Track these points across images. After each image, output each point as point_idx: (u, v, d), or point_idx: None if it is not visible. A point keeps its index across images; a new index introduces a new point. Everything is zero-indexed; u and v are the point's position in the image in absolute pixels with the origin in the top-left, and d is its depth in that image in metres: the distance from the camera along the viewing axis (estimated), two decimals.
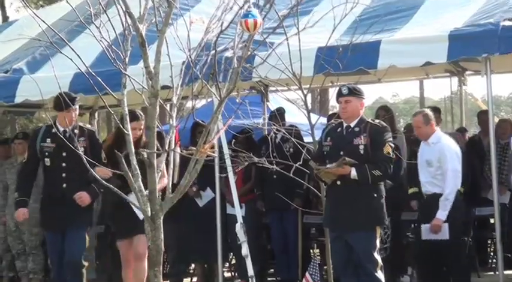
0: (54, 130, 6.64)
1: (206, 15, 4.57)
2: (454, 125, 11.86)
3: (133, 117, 6.43)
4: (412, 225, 9.37)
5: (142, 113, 6.80)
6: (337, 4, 6.21)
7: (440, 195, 7.27)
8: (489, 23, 6.96)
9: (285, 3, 7.03)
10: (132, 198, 6.54)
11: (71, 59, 4.04)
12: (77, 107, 7.02)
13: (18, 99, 8.83)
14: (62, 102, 6.41)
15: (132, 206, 6.58)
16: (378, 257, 6.03)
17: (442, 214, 7.22)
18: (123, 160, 3.50)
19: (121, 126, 3.66)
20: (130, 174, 3.34)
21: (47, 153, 6.92)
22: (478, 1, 7.66)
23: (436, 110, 8.69)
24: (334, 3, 6.26)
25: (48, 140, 6.91)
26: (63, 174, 6.86)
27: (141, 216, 6.63)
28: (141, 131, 6.72)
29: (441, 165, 7.28)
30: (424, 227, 7.31)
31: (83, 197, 6.83)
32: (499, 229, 7.31)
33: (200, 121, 7.23)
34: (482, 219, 9.00)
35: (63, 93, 6.64)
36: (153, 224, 3.26)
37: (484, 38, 6.87)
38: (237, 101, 8.86)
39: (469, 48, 6.99)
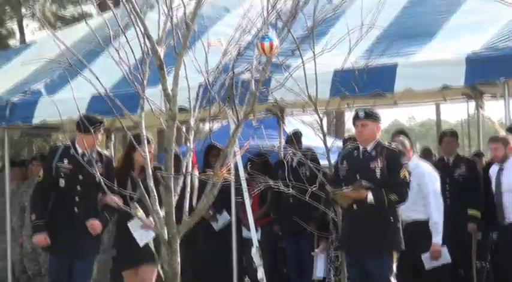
0: (72, 151, 6.43)
1: (224, 36, 4.57)
2: (471, 148, 11.76)
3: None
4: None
5: (151, 138, 6.68)
6: (353, 27, 6.20)
7: (423, 221, 7.14)
8: (507, 46, 6.93)
9: (301, 25, 7.04)
10: (134, 224, 6.55)
11: (89, 81, 4.04)
12: (101, 131, 6.83)
13: (35, 121, 8.88)
14: (83, 124, 6.21)
15: (133, 233, 6.55)
16: (394, 281, 5.97)
17: (438, 239, 7.11)
18: (140, 183, 3.49)
19: (129, 150, 3.65)
20: (147, 197, 3.32)
21: (62, 174, 6.70)
22: (496, 25, 7.63)
23: (453, 134, 8.66)
24: (350, 25, 6.27)
25: (66, 161, 6.68)
26: (76, 198, 6.66)
27: (141, 243, 6.62)
28: (151, 154, 6.64)
29: (421, 190, 7.11)
30: (425, 257, 7.17)
31: (94, 225, 6.65)
32: None
33: (215, 143, 7.21)
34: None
35: (89, 115, 6.55)
36: (170, 247, 3.24)
37: (502, 62, 6.84)
38: (253, 124, 8.89)
39: (487, 71, 6.96)
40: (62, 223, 6.67)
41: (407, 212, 7.09)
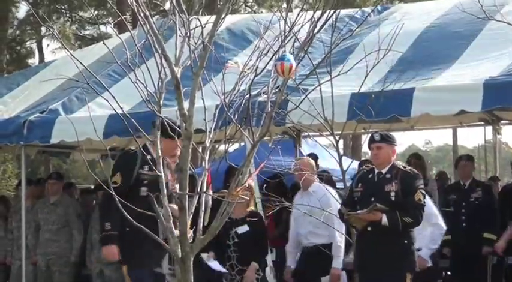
0: (150, 157, 5.88)
1: (241, 59, 4.61)
2: (488, 174, 11.74)
3: None
4: (444, 273, 9.26)
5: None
6: (370, 52, 6.24)
7: (325, 245, 7.08)
8: None
9: (319, 53, 7.10)
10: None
11: (107, 101, 4.09)
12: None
13: (53, 140, 8.93)
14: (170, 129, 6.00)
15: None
16: None
17: (338, 262, 7.05)
18: (154, 201, 3.52)
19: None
20: (162, 216, 3.35)
21: (145, 182, 6.16)
22: None
23: (469, 158, 8.66)
24: (368, 51, 6.30)
25: (146, 168, 6.10)
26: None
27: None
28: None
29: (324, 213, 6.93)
30: (324, 280, 7.10)
31: None
32: None
33: (233, 165, 7.22)
34: None
35: (171, 120, 6.35)
36: (184, 265, 3.26)
37: None
38: (270, 145, 8.92)
39: (504, 97, 6.94)
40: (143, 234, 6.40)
41: (309, 236, 7.18)
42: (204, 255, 6.97)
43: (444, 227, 7.05)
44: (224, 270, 7.02)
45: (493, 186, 9.08)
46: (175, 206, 4.40)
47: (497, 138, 10.62)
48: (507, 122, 9.69)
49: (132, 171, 6.16)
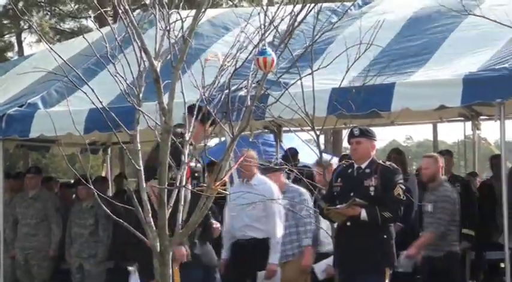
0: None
1: (222, 51, 4.60)
2: (467, 169, 11.80)
3: None
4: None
5: None
6: (351, 45, 6.25)
7: (263, 239, 7.07)
8: (504, 68, 6.99)
9: (299, 44, 7.09)
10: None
11: (86, 94, 4.07)
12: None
13: (32, 134, 8.88)
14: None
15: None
16: None
17: (275, 258, 7.07)
18: (133, 195, 3.51)
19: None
20: (140, 209, 3.35)
21: (196, 174, 6.15)
22: (493, 47, 7.69)
23: (448, 153, 8.71)
24: (348, 44, 6.31)
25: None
26: None
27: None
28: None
29: (265, 208, 6.98)
30: (260, 274, 7.08)
31: None
32: (509, 274, 7.23)
33: (214, 160, 7.19)
34: (492, 263, 8.93)
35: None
36: (162, 259, 3.26)
37: (499, 83, 6.89)
38: (250, 139, 8.93)
39: (483, 92, 7.01)
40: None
41: (246, 230, 7.10)
42: None
43: None
44: None
45: (472, 181, 9.13)
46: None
47: (477, 134, 10.68)
48: (486, 117, 9.76)
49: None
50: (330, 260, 6.94)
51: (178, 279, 5.94)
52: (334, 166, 6.88)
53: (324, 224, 6.82)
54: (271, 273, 7.08)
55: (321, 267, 7.13)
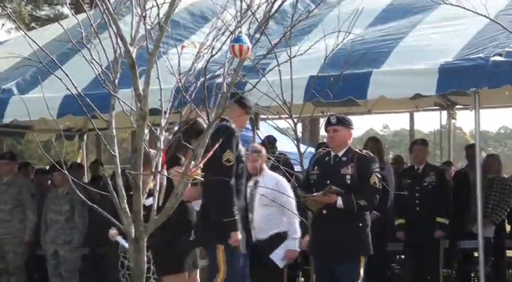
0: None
1: (198, 39, 4.60)
2: (443, 158, 11.90)
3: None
4: (398, 257, 9.40)
5: None
6: (329, 32, 6.28)
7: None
8: (479, 57, 7.02)
9: (278, 34, 7.09)
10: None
11: (61, 80, 4.05)
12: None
13: (6, 120, 8.83)
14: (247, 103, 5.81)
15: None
16: None
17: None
18: (109, 181, 3.51)
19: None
20: (115, 195, 3.35)
21: (242, 158, 5.96)
22: (469, 35, 7.73)
23: (424, 143, 8.77)
24: (326, 31, 6.33)
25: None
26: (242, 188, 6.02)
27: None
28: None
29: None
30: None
31: None
32: (483, 263, 7.30)
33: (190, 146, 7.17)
34: (466, 252, 9.02)
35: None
36: (137, 245, 3.26)
37: (474, 72, 6.93)
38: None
39: (459, 81, 7.05)
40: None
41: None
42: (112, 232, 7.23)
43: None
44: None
45: (447, 170, 9.20)
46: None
47: (452, 123, 10.77)
48: (462, 107, 9.83)
49: (237, 148, 5.79)
50: (284, 245, 6.94)
51: (223, 262, 5.75)
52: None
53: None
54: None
55: (279, 256, 7.07)
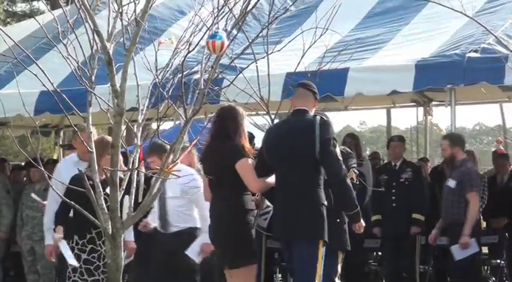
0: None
1: (176, 35, 4.59)
2: (419, 155, 11.96)
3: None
4: (375, 253, 9.44)
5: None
6: (307, 28, 6.29)
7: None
8: (455, 54, 7.07)
9: (256, 31, 7.08)
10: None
11: (36, 76, 4.02)
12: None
13: None
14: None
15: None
16: None
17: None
18: (85, 177, 3.49)
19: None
20: (92, 192, 3.33)
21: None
22: (446, 33, 7.79)
23: (400, 139, 8.80)
24: (305, 33, 6.34)
25: None
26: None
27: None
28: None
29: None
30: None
31: None
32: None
33: (163, 142, 7.11)
34: (443, 249, 9.07)
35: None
36: (114, 241, 3.25)
37: (450, 69, 6.97)
38: (205, 123, 8.90)
39: (435, 78, 7.09)
40: None
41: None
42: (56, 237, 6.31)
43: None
44: (74, 262, 6.11)
45: (423, 167, 9.24)
46: None
47: (428, 120, 10.83)
48: (438, 103, 9.89)
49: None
50: (200, 240, 6.88)
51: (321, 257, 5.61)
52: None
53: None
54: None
55: (195, 251, 6.97)
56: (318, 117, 5.55)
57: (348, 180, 5.65)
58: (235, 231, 5.63)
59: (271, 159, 5.64)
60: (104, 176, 5.17)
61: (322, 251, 5.50)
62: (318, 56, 7.43)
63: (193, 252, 6.88)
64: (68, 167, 6.79)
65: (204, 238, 6.77)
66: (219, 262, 5.90)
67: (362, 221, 5.72)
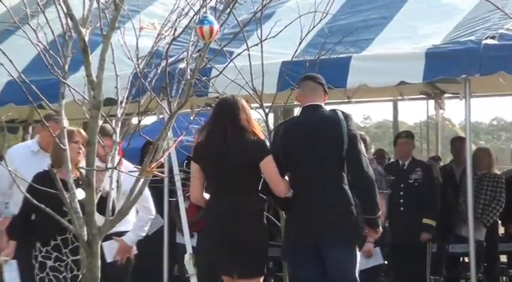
0: None
1: (159, 18, 4.57)
2: (430, 152, 11.99)
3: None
4: None
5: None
6: (304, 13, 6.28)
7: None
8: (470, 40, 7.05)
9: (246, 9, 7.07)
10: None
11: (1, 64, 4.01)
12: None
13: None
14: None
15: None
16: None
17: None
18: (58, 178, 3.48)
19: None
20: (65, 194, 3.33)
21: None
22: (458, 14, 7.78)
23: (409, 135, 8.81)
24: (302, 11, 6.34)
25: None
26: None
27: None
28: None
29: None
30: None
31: None
32: (474, 269, 7.34)
33: (146, 138, 7.09)
34: (455, 257, 9.09)
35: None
36: (90, 249, 3.24)
37: (464, 57, 6.95)
38: (191, 118, 8.89)
39: (448, 68, 7.06)
40: None
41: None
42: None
43: (153, 211, 7.05)
44: None
45: (434, 166, 9.25)
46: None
47: (440, 114, 10.84)
48: (451, 95, 9.89)
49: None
50: (123, 238, 6.86)
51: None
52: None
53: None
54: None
55: (111, 249, 6.87)
56: (340, 112, 5.60)
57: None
58: (255, 235, 5.61)
59: (292, 159, 5.64)
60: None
61: (357, 254, 5.61)
62: (314, 35, 7.42)
63: (109, 249, 6.82)
64: (24, 155, 6.59)
65: (127, 238, 6.75)
66: (219, 269, 5.82)
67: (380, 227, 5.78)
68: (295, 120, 5.94)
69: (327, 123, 5.63)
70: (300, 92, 5.85)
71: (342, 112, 5.68)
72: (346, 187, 5.57)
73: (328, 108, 5.87)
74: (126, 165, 6.24)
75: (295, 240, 5.73)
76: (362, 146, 5.70)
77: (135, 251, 6.98)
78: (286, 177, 5.72)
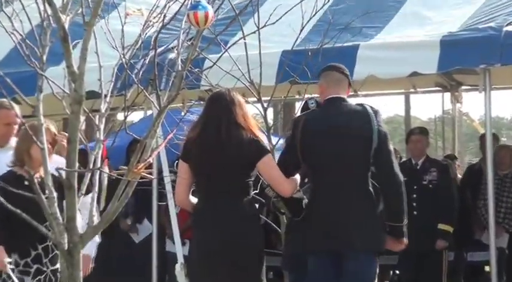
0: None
1: (146, 5, 4.58)
2: (446, 151, 12.02)
3: None
4: (391, 272, 9.46)
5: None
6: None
7: None
8: (489, 27, 7.08)
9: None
10: None
11: None
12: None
13: None
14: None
15: None
16: None
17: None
18: (36, 181, 3.49)
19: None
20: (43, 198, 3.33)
21: None
22: (476, 1, 7.80)
23: (422, 132, 8.83)
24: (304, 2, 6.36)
25: None
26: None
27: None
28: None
29: None
30: None
31: None
32: (495, 279, 7.36)
33: (133, 136, 7.11)
34: (474, 266, 9.10)
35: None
36: (71, 259, 3.24)
37: (483, 45, 6.97)
38: (183, 113, 8.92)
39: (465, 57, 7.09)
40: None
41: None
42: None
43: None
44: None
45: (450, 166, 9.27)
46: None
47: (457, 108, 10.85)
48: (469, 87, 9.91)
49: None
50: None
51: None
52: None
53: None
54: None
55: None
56: (368, 106, 5.60)
57: None
58: (255, 243, 5.62)
59: (312, 157, 5.64)
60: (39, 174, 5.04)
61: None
62: (317, 20, 7.43)
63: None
64: None
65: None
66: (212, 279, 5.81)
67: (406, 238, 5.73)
68: (317, 114, 5.90)
69: (355, 118, 5.62)
70: (322, 83, 5.84)
71: (371, 107, 5.67)
72: (372, 190, 5.57)
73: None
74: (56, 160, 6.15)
75: (310, 246, 5.71)
76: (391, 146, 5.69)
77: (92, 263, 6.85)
78: (297, 176, 5.71)
